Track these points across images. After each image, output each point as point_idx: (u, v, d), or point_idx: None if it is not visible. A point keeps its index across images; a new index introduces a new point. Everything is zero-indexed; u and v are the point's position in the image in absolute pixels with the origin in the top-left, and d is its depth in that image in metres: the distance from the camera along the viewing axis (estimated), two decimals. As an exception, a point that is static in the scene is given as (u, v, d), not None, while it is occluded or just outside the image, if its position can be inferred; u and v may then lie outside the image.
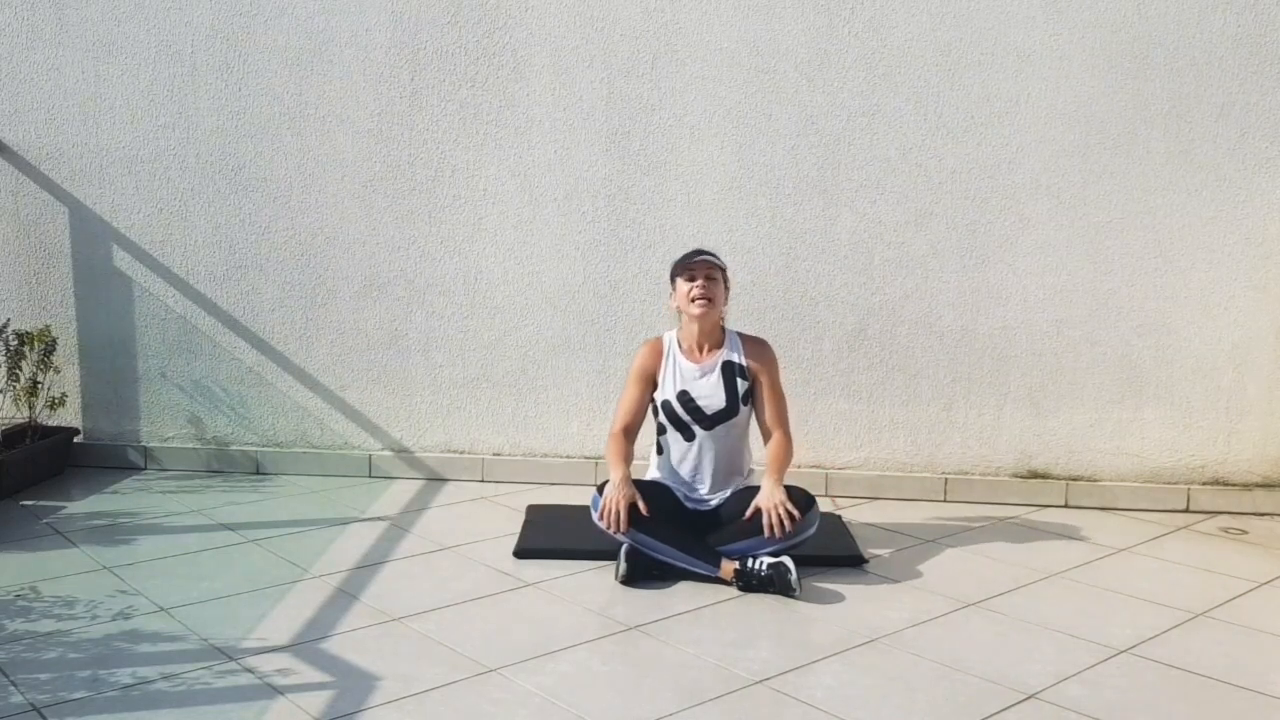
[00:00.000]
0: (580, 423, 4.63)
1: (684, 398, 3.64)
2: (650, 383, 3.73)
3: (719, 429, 3.64)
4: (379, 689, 2.72)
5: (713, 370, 3.66)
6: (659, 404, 3.70)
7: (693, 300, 3.59)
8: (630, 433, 3.71)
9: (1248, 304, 4.37)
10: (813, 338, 4.50)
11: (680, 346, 3.72)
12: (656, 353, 3.73)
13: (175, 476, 4.64)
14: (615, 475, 3.56)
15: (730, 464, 3.70)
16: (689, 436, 3.67)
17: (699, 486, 3.70)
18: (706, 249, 3.78)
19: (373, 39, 4.47)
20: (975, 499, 4.50)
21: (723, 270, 3.67)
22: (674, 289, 3.70)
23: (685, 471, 3.70)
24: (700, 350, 3.70)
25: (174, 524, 4.01)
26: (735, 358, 3.68)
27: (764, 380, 3.69)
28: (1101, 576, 3.66)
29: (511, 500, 4.37)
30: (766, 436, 3.71)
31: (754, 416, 3.73)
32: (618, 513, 3.46)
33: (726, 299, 3.69)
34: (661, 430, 3.73)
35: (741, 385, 3.65)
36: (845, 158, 4.41)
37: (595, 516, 3.55)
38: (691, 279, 3.61)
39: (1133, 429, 4.46)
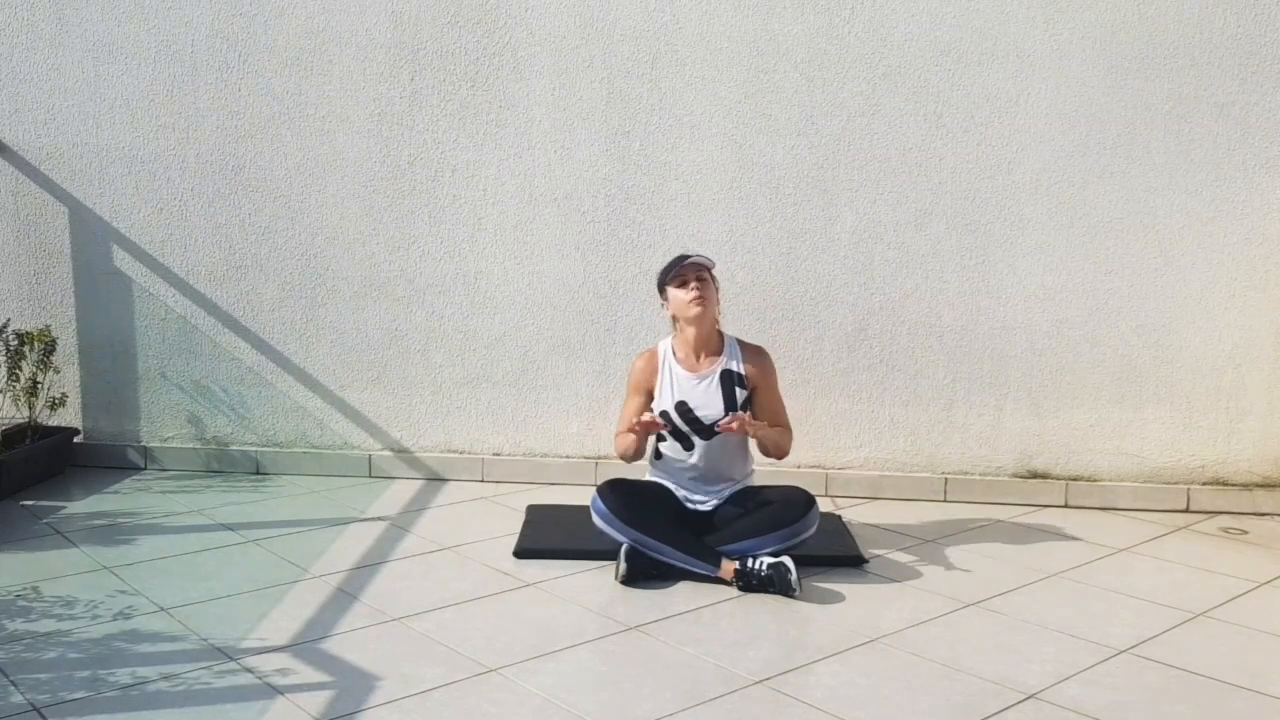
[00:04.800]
0: (580, 423, 4.63)
1: (682, 408, 3.62)
2: (649, 394, 3.71)
3: (717, 439, 3.63)
4: (379, 689, 2.72)
5: (711, 378, 3.64)
6: (656, 415, 3.68)
7: (690, 303, 3.57)
8: None
9: (1248, 304, 4.37)
10: (813, 338, 4.50)
11: (676, 355, 3.69)
12: (652, 365, 3.70)
13: (175, 476, 4.64)
14: (620, 441, 3.63)
15: (729, 471, 3.70)
16: (688, 446, 3.66)
17: (698, 493, 3.70)
18: (688, 252, 3.70)
19: (373, 39, 4.47)
20: (975, 499, 4.50)
21: (709, 268, 3.64)
22: (665, 299, 3.67)
23: (684, 479, 3.70)
24: (697, 357, 3.68)
25: (174, 524, 4.01)
26: (734, 366, 3.66)
27: (763, 389, 3.68)
28: (1101, 576, 3.66)
29: (511, 500, 4.37)
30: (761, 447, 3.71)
31: None
32: (638, 425, 3.51)
33: (717, 296, 3.68)
34: (660, 438, 3.72)
35: (740, 394, 3.64)
36: (845, 157, 4.41)
37: (595, 516, 3.55)
38: (684, 284, 3.58)
39: (1133, 429, 4.46)
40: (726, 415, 3.57)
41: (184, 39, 4.50)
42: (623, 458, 3.67)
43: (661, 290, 3.68)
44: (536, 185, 4.51)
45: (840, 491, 4.53)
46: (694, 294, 3.56)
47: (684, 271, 3.58)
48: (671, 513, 3.63)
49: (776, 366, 3.74)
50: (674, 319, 3.69)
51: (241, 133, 4.55)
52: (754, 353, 3.71)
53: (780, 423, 3.70)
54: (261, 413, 4.71)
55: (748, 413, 3.58)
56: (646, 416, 3.54)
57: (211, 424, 4.73)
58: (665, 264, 3.69)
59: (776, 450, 3.65)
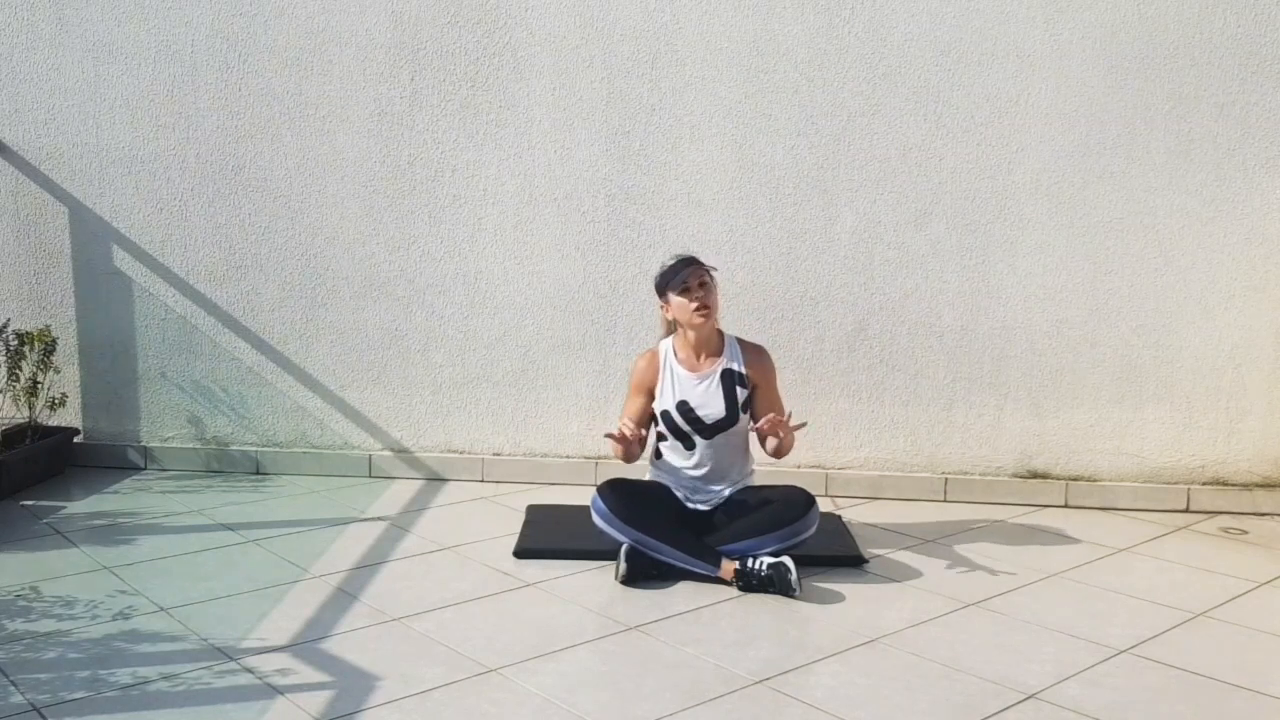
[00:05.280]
0: (580, 422, 4.63)
1: (683, 407, 3.63)
2: (650, 394, 3.71)
3: (719, 438, 3.63)
4: (379, 689, 2.72)
5: (711, 378, 3.64)
6: (658, 414, 3.68)
7: (695, 311, 3.55)
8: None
9: (1248, 304, 4.37)
10: (813, 338, 4.50)
11: (677, 356, 3.69)
12: (653, 365, 3.70)
13: (175, 476, 4.64)
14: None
15: (730, 470, 3.70)
16: (689, 446, 3.66)
17: (698, 493, 3.70)
18: (686, 254, 3.66)
19: (373, 39, 4.47)
20: (975, 499, 4.50)
21: (711, 271, 3.63)
22: (665, 302, 3.64)
23: (686, 477, 3.70)
24: (698, 358, 3.68)
25: (174, 524, 4.01)
26: (735, 366, 3.66)
27: (763, 388, 3.68)
28: (1101, 576, 3.66)
29: (511, 500, 4.37)
30: (763, 440, 3.69)
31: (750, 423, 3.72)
32: (622, 433, 3.49)
33: (718, 297, 3.66)
34: (661, 438, 3.72)
35: (741, 394, 3.64)
36: (845, 157, 4.41)
37: (595, 516, 3.55)
38: (686, 291, 3.57)
39: (1133, 429, 4.47)
40: (729, 415, 3.60)
41: (184, 39, 4.50)
42: (624, 460, 3.67)
43: (661, 293, 3.67)
44: (536, 185, 4.51)
45: (840, 491, 4.53)
46: (698, 303, 3.55)
47: (687, 280, 3.57)
48: (671, 512, 3.63)
49: (776, 365, 3.74)
50: (674, 321, 3.68)
51: (241, 133, 4.55)
52: (754, 352, 3.71)
53: None
54: (261, 413, 4.71)
55: (787, 413, 3.56)
56: (628, 429, 3.52)
57: (211, 424, 4.73)
58: (664, 268, 3.64)
59: (787, 451, 3.64)
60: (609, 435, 3.54)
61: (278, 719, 2.57)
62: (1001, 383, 4.49)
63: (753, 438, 3.77)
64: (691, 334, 3.63)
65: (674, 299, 3.60)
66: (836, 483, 4.54)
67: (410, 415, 4.68)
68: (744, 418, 3.65)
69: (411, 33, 4.46)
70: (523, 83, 4.46)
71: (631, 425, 3.55)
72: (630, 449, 3.57)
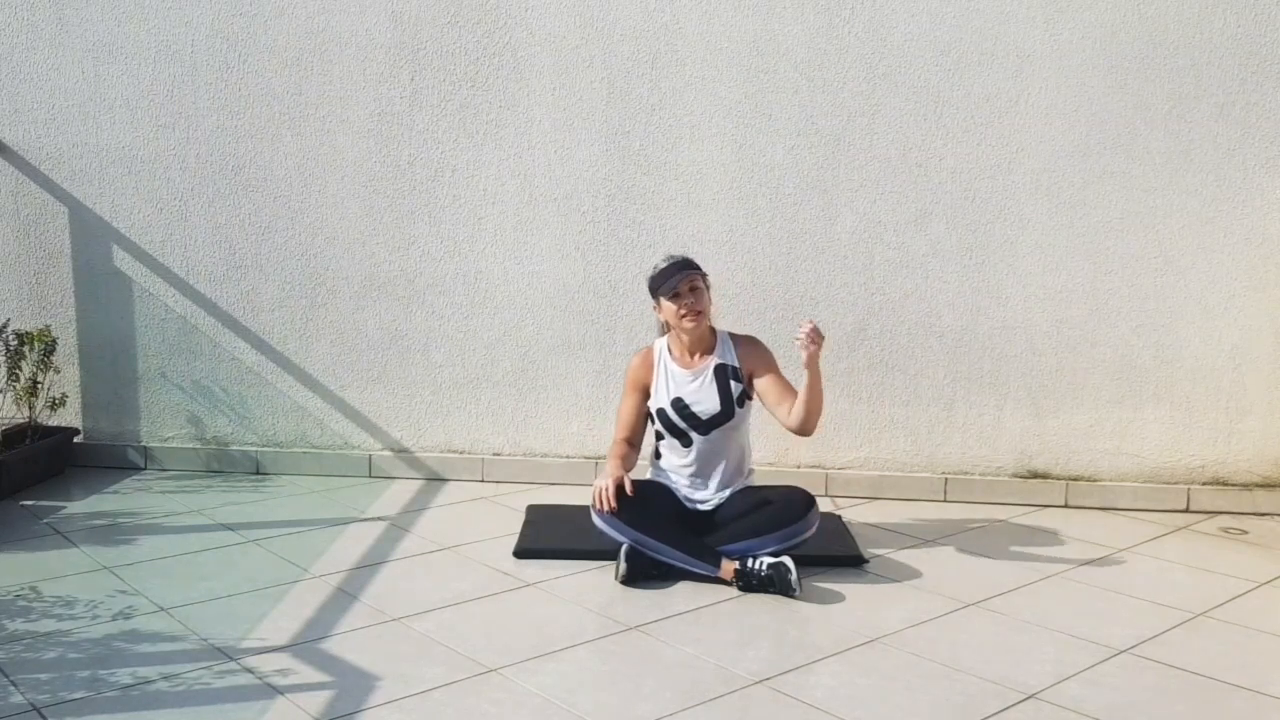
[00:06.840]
0: (580, 423, 4.63)
1: (678, 404, 3.63)
2: (645, 392, 3.72)
3: (715, 434, 3.63)
4: (379, 689, 2.72)
5: (705, 374, 3.64)
6: (654, 412, 3.69)
7: (683, 317, 3.57)
8: (633, 443, 3.72)
9: (1248, 304, 4.37)
10: (813, 338, 4.50)
11: (671, 353, 3.70)
12: (647, 364, 3.72)
13: (175, 476, 4.64)
14: (607, 466, 3.59)
15: (729, 467, 3.69)
16: (686, 443, 3.66)
17: (698, 490, 3.70)
18: (678, 256, 3.64)
19: (373, 39, 4.47)
20: (975, 499, 4.50)
21: (703, 275, 3.63)
22: (658, 304, 3.65)
23: (684, 476, 3.70)
24: (692, 355, 3.68)
25: (174, 524, 4.01)
26: (728, 360, 3.66)
27: (762, 371, 3.66)
28: (1101, 576, 3.66)
29: (511, 500, 4.37)
30: (787, 411, 3.57)
31: (771, 407, 3.62)
32: (604, 491, 3.46)
33: (710, 298, 3.66)
34: (659, 437, 3.73)
35: (735, 388, 3.64)
36: (845, 157, 4.41)
37: (595, 516, 3.55)
38: (676, 297, 3.57)
39: (1133, 429, 4.47)
40: (724, 409, 3.60)
41: (184, 39, 4.50)
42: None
43: (654, 295, 3.67)
44: (536, 185, 4.51)
45: (840, 491, 4.53)
46: (686, 309, 3.56)
47: (677, 286, 3.56)
48: (672, 512, 3.63)
49: (771, 350, 3.72)
50: (664, 323, 3.69)
51: (241, 133, 4.55)
52: (746, 343, 3.71)
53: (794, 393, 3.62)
54: (261, 413, 4.71)
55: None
56: (627, 485, 3.50)
57: (211, 424, 4.73)
58: (655, 270, 3.64)
59: (818, 412, 3.54)
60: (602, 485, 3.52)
61: (278, 719, 2.57)
62: (1001, 383, 4.49)
63: (752, 438, 3.77)
64: (684, 336, 3.65)
65: (665, 303, 3.61)
66: (836, 483, 4.54)
67: (410, 415, 4.68)
68: (740, 412, 3.65)
69: (411, 33, 4.46)
70: (523, 83, 4.46)
71: (616, 480, 3.51)
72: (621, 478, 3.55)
